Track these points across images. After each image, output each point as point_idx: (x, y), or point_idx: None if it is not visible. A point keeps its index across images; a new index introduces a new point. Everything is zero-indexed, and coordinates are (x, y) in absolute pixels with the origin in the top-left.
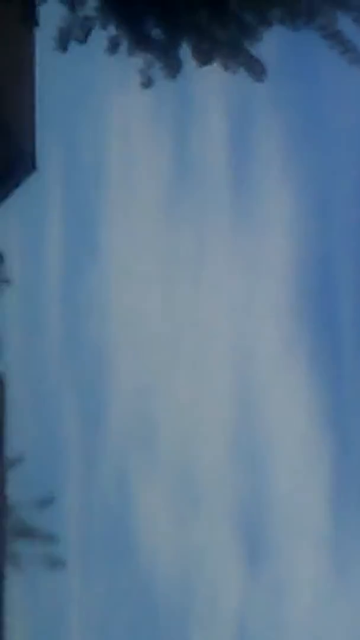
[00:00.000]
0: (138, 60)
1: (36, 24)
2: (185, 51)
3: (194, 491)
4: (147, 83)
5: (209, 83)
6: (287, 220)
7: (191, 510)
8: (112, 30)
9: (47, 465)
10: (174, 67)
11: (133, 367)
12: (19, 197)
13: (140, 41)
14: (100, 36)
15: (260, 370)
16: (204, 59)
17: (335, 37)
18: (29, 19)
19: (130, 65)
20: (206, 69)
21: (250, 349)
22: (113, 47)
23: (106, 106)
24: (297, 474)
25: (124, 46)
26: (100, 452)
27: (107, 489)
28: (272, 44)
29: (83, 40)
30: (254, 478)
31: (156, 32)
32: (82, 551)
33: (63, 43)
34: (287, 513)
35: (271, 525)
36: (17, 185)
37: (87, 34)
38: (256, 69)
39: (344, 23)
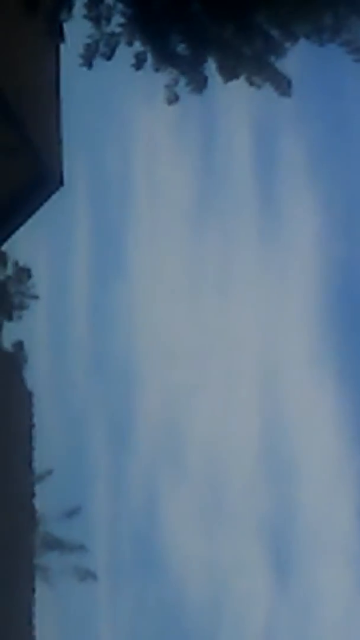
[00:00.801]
0: (164, 76)
1: (62, 40)
2: (210, 67)
3: (222, 505)
4: (173, 99)
5: (235, 98)
6: (314, 234)
7: (219, 524)
8: (137, 46)
9: (76, 478)
10: (199, 83)
11: (160, 381)
12: (46, 213)
13: (166, 57)
14: (126, 52)
15: (288, 384)
16: (230, 74)
17: None
18: (55, 35)
19: (156, 81)
20: (232, 84)
21: (278, 363)
22: (139, 63)
23: (132, 122)
24: (324, 491)
25: (149, 62)
26: (128, 465)
27: (135, 501)
28: (297, 59)
29: (109, 56)
30: (282, 494)
31: (182, 48)
32: (111, 563)
33: (89, 59)
34: (314, 530)
35: (299, 542)
36: (44, 201)
37: (112, 50)
38: (282, 84)
39: None
